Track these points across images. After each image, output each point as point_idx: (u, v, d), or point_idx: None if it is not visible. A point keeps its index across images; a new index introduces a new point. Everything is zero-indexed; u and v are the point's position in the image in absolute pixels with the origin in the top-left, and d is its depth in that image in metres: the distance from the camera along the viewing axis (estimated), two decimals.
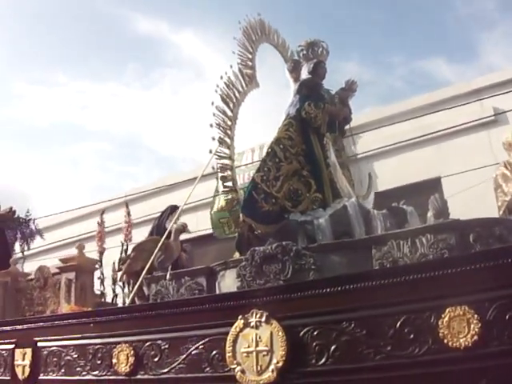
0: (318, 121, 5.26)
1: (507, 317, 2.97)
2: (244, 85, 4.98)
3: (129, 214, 6.70)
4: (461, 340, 3.03)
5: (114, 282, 5.65)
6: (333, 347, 3.36)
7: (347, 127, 5.83)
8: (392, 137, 8.63)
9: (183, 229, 5.42)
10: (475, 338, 2.99)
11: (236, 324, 3.67)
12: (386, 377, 3.20)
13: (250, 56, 5.24)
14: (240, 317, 3.64)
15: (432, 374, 3.10)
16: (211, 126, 4.70)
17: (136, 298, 4.72)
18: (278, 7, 21.78)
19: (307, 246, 3.95)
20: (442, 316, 3.10)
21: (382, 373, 3.21)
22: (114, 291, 5.85)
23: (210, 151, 4.70)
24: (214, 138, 4.69)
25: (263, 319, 3.57)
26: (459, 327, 3.05)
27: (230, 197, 4.59)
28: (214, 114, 4.70)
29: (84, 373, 4.38)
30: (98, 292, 6.05)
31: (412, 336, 3.17)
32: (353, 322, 3.33)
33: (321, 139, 5.31)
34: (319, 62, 5.49)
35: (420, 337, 3.15)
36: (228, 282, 4.31)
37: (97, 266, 6.39)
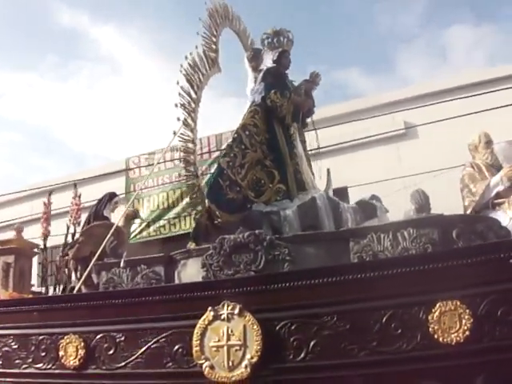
0: (283, 110, 5.01)
1: (499, 312, 2.87)
2: (208, 68, 4.63)
3: (78, 196, 6.16)
4: (452, 335, 2.90)
5: (58, 268, 5.14)
6: (313, 342, 3.13)
7: (309, 120, 5.61)
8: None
9: (135, 214, 5.04)
10: (467, 333, 2.88)
11: (205, 316, 3.35)
12: (370, 373, 3.02)
13: (214, 39, 4.90)
14: (210, 308, 3.33)
15: (421, 370, 2.95)
16: (176, 105, 4.33)
17: (83, 287, 4.30)
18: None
19: (281, 236, 3.69)
20: (433, 311, 2.95)
21: (366, 369, 3.03)
22: (56, 278, 5.33)
23: (174, 132, 4.33)
24: (178, 119, 4.33)
25: (236, 311, 3.28)
26: (450, 322, 2.92)
27: (191, 182, 4.25)
28: (179, 94, 4.34)
29: (25, 365, 3.91)
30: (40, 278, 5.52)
31: (399, 331, 3.00)
32: (335, 315, 3.11)
33: (285, 130, 5.06)
34: (284, 52, 5.23)
35: (408, 332, 2.99)
36: (190, 272, 3.97)
37: (36, 250, 5.84)
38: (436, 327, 2.93)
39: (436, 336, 2.92)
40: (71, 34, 24.11)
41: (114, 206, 6.09)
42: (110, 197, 5.92)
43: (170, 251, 4.24)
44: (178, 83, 4.33)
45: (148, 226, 11.56)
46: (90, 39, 24.00)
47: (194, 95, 4.40)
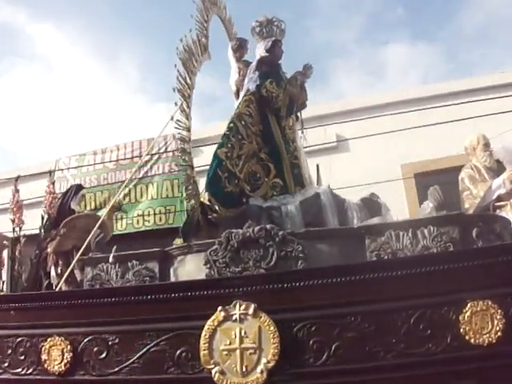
0: (278, 102, 4.77)
1: None
2: (200, 53, 4.34)
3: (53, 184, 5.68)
4: (484, 336, 2.78)
5: (36, 262, 4.65)
6: (335, 345, 2.92)
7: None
8: None
9: (119, 206, 4.67)
10: (499, 334, 2.76)
11: (214, 317, 3.07)
12: (397, 377, 2.84)
13: (205, 24, 4.61)
14: (220, 308, 3.06)
15: (452, 373, 2.80)
16: (174, 90, 4.01)
17: (63, 284, 3.89)
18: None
19: (293, 231, 3.45)
20: (464, 311, 2.82)
21: (394, 373, 2.85)
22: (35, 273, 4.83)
23: (172, 118, 4.00)
24: (176, 103, 4.01)
25: (250, 312, 3.01)
26: (482, 323, 2.79)
27: (187, 172, 3.93)
28: (177, 78, 4.01)
29: (0, 371, 3.49)
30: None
31: (429, 332, 2.84)
32: (359, 316, 2.93)
33: (280, 122, 4.83)
34: (277, 41, 5.00)
35: (437, 333, 2.84)
36: (189, 269, 3.65)
37: (5, 242, 5.31)
38: (467, 328, 2.80)
39: (467, 337, 2.79)
40: (7, 29, 22.79)
41: (81, 199, 5.69)
42: (77, 189, 5.51)
43: None
44: (175, 66, 4.01)
45: None
46: (26, 36, 22.84)
47: (189, 81, 4.09)
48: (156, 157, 10.94)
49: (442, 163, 9.00)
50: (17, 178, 6.42)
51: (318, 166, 5.25)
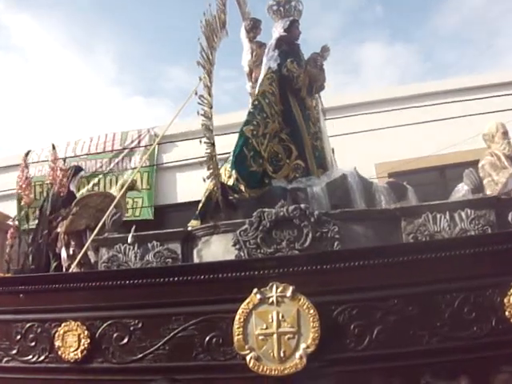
0: (299, 82, 4.67)
1: None
2: (219, 29, 4.17)
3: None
4: None
5: (46, 243, 4.32)
6: (377, 329, 2.83)
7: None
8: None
9: (133, 185, 4.45)
10: None
11: (248, 299, 2.92)
12: (442, 361, 2.76)
13: (224, 0, 4.43)
14: (255, 291, 2.91)
15: (498, 356, 2.74)
16: (198, 64, 3.82)
17: (75, 266, 3.63)
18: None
19: (327, 212, 3.32)
20: (508, 293, 2.77)
21: (438, 357, 2.77)
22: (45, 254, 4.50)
23: (196, 93, 3.80)
24: (200, 78, 3.81)
25: (288, 294, 2.88)
26: None
27: (209, 151, 3.75)
28: (200, 53, 3.82)
29: (7, 358, 3.23)
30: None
31: (473, 315, 2.79)
32: (402, 299, 2.84)
33: (300, 103, 4.71)
34: (295, 21, 4.88)
35: (482, 317, 2.79)
36: (215, 250, 3.47)
37: (10, 222, 4.94)
38: None
39: None
40: None
41: (79, 181, 5.43)
42: (76, 171, 5.24)
43: None
44: (198, 39, 3.82)
45: None
46: (1, 26, 21.91)
47: (210, 56, 3.91)
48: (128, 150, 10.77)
49: (416, 163, 9.07)
50: (27, 153, 6.04)
51: (332, 149, 5.15)
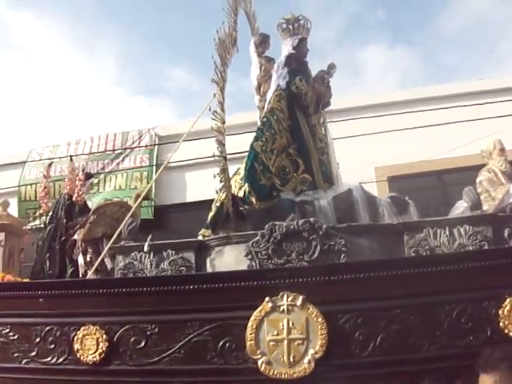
0: (307, 99, 4.89)
1: None
2: (231, 47, 4.36)
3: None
4: None
5: (63, 250, 4.46)
6: (380, 336, 3.04)
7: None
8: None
9: (148, 196, 4.62)
10: None
11: (261, 307, 3.12)
12: (442, 367, 2.98)
13: (235, 17, 4.62)
14: (267, 299, 3.11)
15: None
16: (212, 81, 4.02)
17: (92, 273, 3.79)
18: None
19: (334, 225, 3.53)
20: (503, 305, 2.99)
21: (437, 363, 2.98)
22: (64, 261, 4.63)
23: (210, 109, 4.00)
24: (214, 95, 4.02)
25: (298, 303, 3.09)
26: None
27: (221, 164, 3.95)
28: (214, 71, 4.02)
29: (26, 360, 3.39)
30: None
31: (470, 325, 3.00)
32: (405, 309, 3.05)
33: (308, 119, 4.94)
34: (303, 39, 5.09)
35: (478, 327, 3.00)
36: (228, 260, 3.66)
37: (25, 227, 5.07)
38: (507, 322, 2.97)
39: (507, 331, 2.96)
40: None
41: (89, 187, 5.58)
42: (86, 177, 5.39)
43: None
44: (212, 57, 4.01)
45: None
46: (3, 24, 21.84)
47: (223, 72, 4.10)
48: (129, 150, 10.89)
49: (416, 167, 9.26)
50: (50, 164, 6.22)
51: (338, 164, 5.36)
